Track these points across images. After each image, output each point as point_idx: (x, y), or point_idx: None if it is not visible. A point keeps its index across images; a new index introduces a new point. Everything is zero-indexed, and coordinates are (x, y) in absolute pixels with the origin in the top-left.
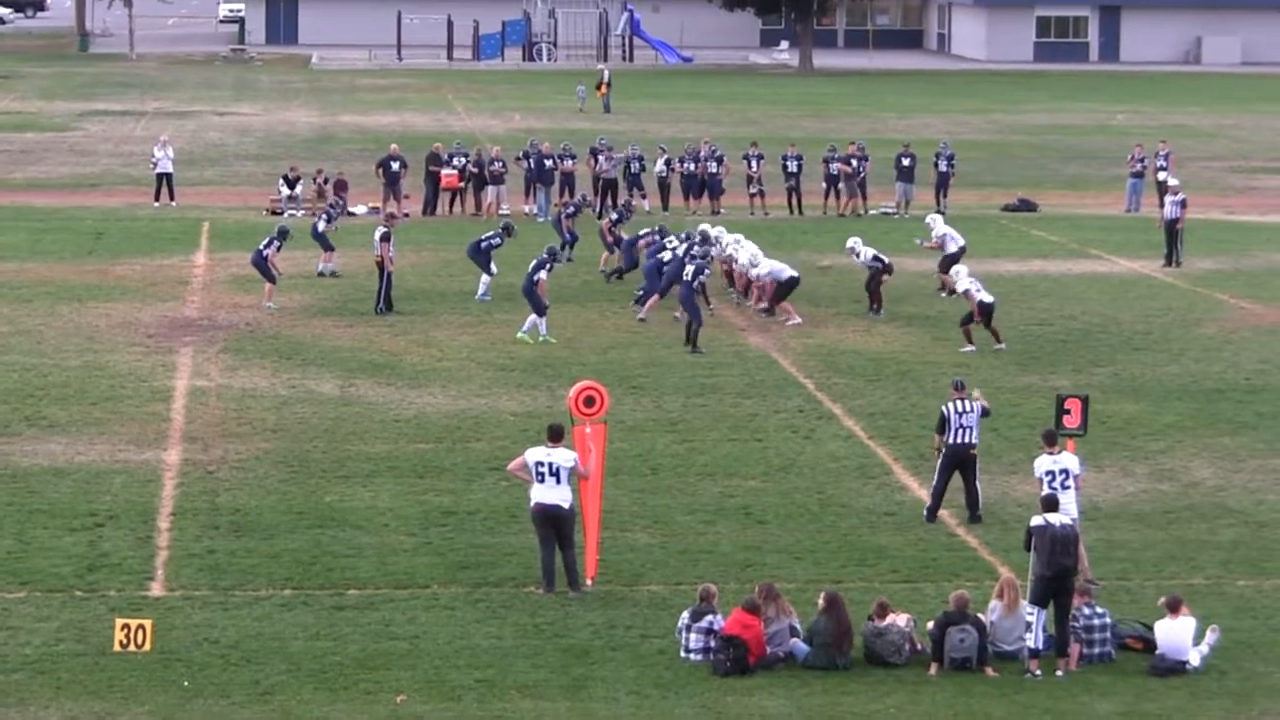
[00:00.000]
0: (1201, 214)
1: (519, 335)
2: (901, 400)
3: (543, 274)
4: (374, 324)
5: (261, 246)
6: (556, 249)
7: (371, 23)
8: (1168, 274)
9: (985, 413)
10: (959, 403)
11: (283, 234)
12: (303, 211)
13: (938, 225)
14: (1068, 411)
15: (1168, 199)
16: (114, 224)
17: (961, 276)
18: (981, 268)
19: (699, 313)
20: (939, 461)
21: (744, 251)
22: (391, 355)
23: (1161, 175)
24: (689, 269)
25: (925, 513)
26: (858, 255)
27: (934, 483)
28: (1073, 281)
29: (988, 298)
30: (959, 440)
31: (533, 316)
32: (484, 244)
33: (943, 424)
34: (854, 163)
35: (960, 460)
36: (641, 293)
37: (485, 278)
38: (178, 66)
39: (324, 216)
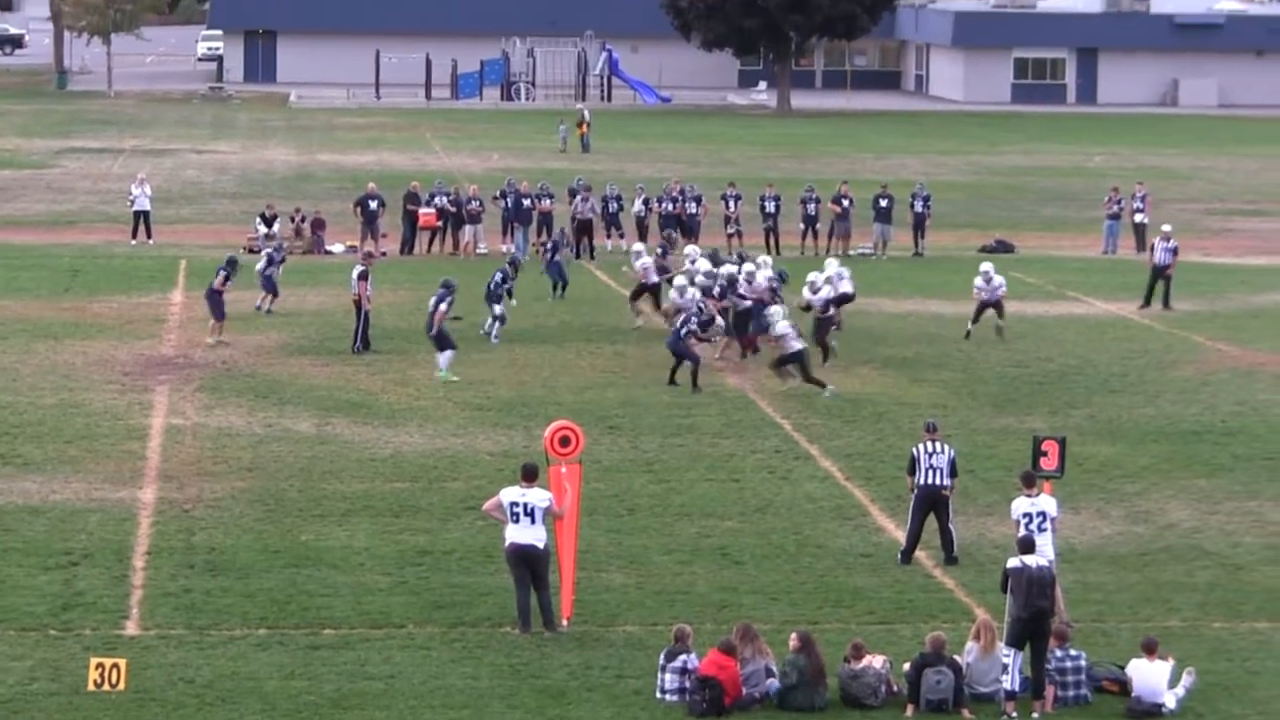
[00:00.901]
0: (1178, 256)
1: (443, 378)
2: (878, 441)
3: (443, 306)
4: (351, 363)
5: (214, 281)
6: (453, 282)
7: (350, 61)
8: (1144, 316)
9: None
10: (929, 444)
11: (231, 264)
12: None
13: (830, 267)
14: (1045, 453)
15: (1159, 244)
16: (91, 262)
17: (777, 320)
18: (959, 309)
19: (689, 356)
20: (911, 503)
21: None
22: (368, 394)
23: (1138, 217)
24: (677, 319)
25: (900, 555)
26: (829, 282)
27: (908, 525)
28: (1049, 323)
29: (797, 345)
30: (929, 481)
31: (447, 353)
32: (493, 285)
33: (913, 465)
34: (844, 203)
35: (932, 502)
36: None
37: (496, 323)
38: (156, 104)
39: (266, 259)
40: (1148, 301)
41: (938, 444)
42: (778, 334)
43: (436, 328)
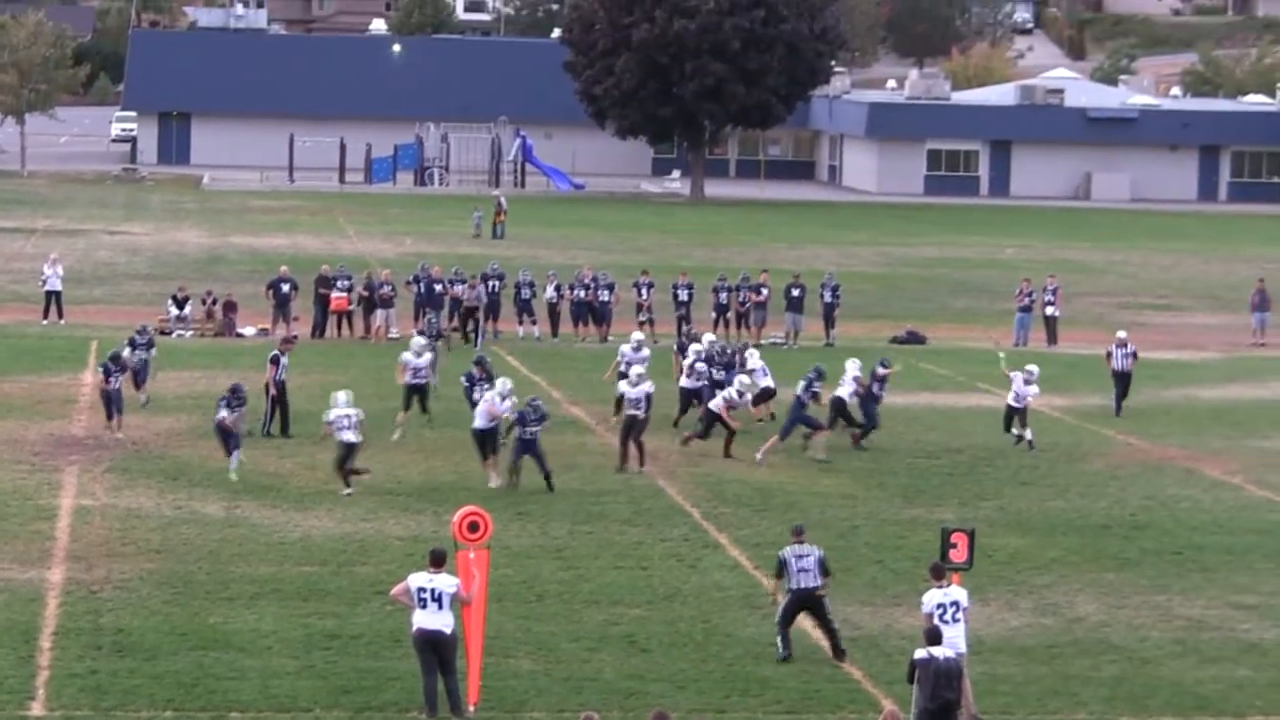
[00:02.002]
0: (1088, 349)
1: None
2: (787, 531)
3: (237, 410)
4: (260, 445)
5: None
6: (241, 387)
7: (264, 144)
8: (1055, 410)
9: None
10: (796, 546)
11: (113, 359)
12: (191, 332)
13: (752, 359)
14: (954, 545)
15: (1117, 351)
16: (1, 341)
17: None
18: None
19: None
20: (781, 607)
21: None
22: (277, 477)
23: (1050, 310)
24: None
25: (783, 656)
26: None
27: (778, 627)
28: (960, 414)
29: (351, 438)
30: (801, 585)
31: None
32: (470, 390)
33: (781, 569)
34: (763, 291)
35: (806, 603)
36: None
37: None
38: (69, 185)
39: (129, 343)
40: (1119, 410)
41: (805, 545)
42: (329, 419)
43: (233, 428)
